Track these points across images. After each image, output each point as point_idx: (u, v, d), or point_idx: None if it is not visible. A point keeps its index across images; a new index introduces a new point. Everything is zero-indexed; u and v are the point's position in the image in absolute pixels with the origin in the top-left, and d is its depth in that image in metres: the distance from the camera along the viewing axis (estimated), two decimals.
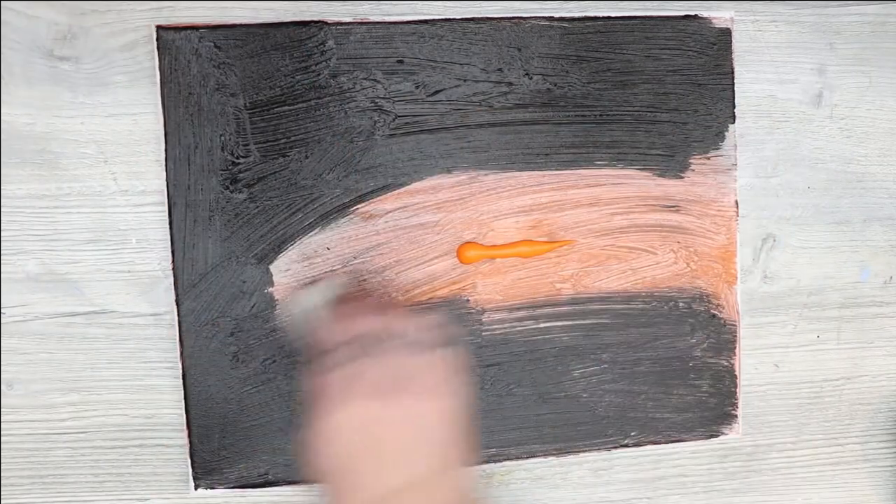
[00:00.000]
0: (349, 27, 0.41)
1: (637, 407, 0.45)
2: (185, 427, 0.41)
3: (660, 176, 0.44)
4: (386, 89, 0.41)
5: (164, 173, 0.40)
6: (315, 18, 0.41)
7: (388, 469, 0.33)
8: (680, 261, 0.45)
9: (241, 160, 0.41)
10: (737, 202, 0.45)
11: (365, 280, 0.41)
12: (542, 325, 0.44)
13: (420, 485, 0.33)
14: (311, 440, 0.33)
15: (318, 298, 0.40)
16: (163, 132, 0.40)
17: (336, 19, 0.41)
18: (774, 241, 0.46)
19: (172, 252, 0.40)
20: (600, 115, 0.43)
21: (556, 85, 0.43)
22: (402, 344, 0.35)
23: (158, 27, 0.39)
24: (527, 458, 0.44)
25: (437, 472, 0.34)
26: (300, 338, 0.40)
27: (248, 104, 0.40)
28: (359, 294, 0.41)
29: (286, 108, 0.41)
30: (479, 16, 0.42)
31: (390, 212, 0.42)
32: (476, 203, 0.43)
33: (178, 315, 0.41)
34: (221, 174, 0.40)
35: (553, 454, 0.44)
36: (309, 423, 0.34)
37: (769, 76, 0.45)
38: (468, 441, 0.35)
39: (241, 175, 0.41)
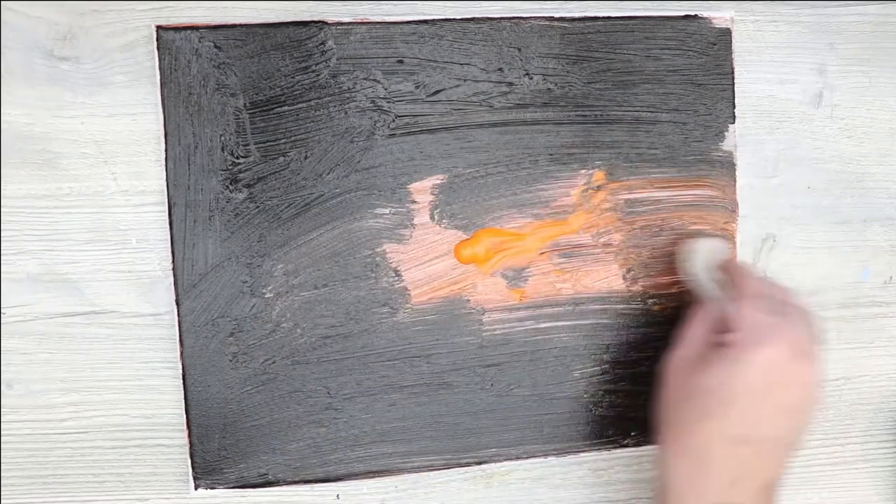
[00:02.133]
0: (349, 27, 0.41)
1: (637, 407, 0.45)
2: (185, 427, 0.41)
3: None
4: (386, 89, 0.41)
5: (164, 173, 0.40)
6: (315, 18, 0.41)
7: (765, 416, 0.37)
8: None
9: (241, 160, 0.41)
10: (737, 202, 0.45)
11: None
12: (542, 326, 0.44)
13: (772, 444, 0.38)
14: (722, 361, 0.38)
15: (718, 251, 0.43)
16: (163, 132, 0.40)
17: (336, 19, 0.41)
18: (774, 241, 0.46)
19: (172, 252, 0.40)
20: (600, 115, 0.43)
21: (556, 85, 0.43)
22: (804, 317, 0.39)
23: (158, 27, 0.39)
24: (527, 458, 0.44)
25: (789, 441, 0.39)
26: (706, 281, 0.42)
27: (248, 104, 0.40)
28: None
29: (286, 108, 0.41)
30: (479, 16, 0.42)
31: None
32: None
33: (178, 315, 0.41)
34: (221, 174, 0.41)
35: (553, 454, 0.44)
36: (729, 347, 0.38)
37: (769, 76, 0.45)
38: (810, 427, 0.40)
39: (241, 175, 0.41)
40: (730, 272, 0.41)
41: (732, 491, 0.37)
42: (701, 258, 0.43)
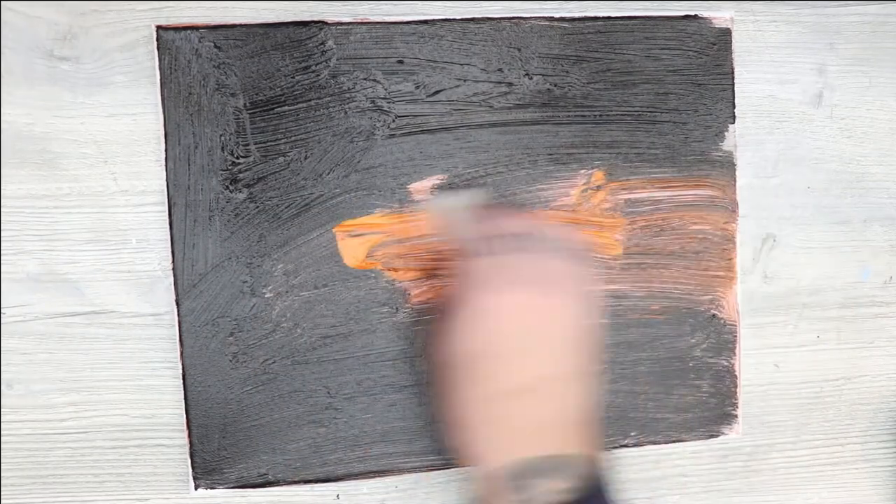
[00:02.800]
0: (349, 27, 0.41)
1: (637, 407, 0.45)
2: (185, 427, 0.41)
3: None
4: (386, 89, 0.41)
5: (164, 173, 0.40)
6: (315, 18, 0.41)
7: (528, 359, 0.35)
8: None
9: (241, 160, 0.41)
10: (737, 202, 0.45)
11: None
12: None
13: (552, 383, 0.35)
14: (459, 321, 0.35)
15: (463, 201, 0.41)
16: (163, 132, 0.40)
17: (336, 19, 0.41)
18: (774, 241, 0.46)
19: (172, 252, 0.40)
20: (600, 115, 0.43)
21: (556, 85, 0.43)
22: (550, 246, 0.36)
23: (158, 27, 0.39)
24: None
25: (567, 376, 0.36)
26: (448, 230, 0.41)
27: (248, 104, 0.40)
28: (500, 204, 0.42)
29: (286, 108, 0.41)
30: (479, 16, 0.42)
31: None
32: None
33: (178, 315, 0.41)
34: (221, 174, 0.41)
35: None
36: (458, 305, 0.35)
37: (769, 76, 0.45)
38: (595, 356, 0.37)
39: (241, 175, 0.41)
40: (475, 222, 0.38)
41: (536, 442, 0.34)
42: (449, 215, 0.40)
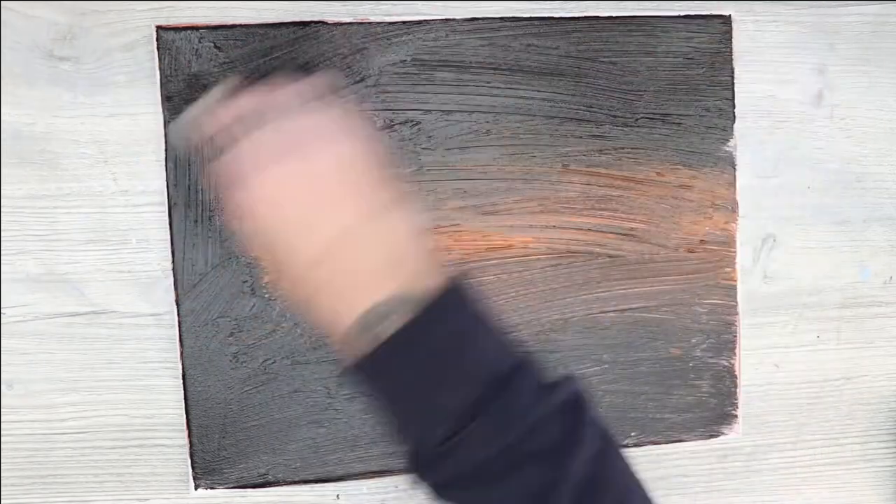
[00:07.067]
0: (349, 27, 0.41)
1: (637, 407, 0.45)
2: (185, 427, 0.41)
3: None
4: (387, 90, 0.41)
5: (164, 173, 0.40)
6: (315, 18, 0.41)
7: (317, 224, 0.34)
8: None
9: None
10: (737, 202, 0.45)
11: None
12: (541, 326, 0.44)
13: (353, 234, 0.34)
14: (240, 221, 0.34)
15: (202, 105, 0.38)
16: (163, 132, 0.40)
17: (336, 19, 0.41)
18: (774, 241, 0.46)
19: (172, 252, 0.40)
20: (601, 115, 0.43)
21: (555, 84, 0.43)
22: (288, 109, 0.35)
23: (158, 27, 0.39)
24: None
25: (368, 218, 0.34)
26: (191, 139, 0.39)
27: None
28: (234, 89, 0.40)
29: None
30: (480, 16, 0.42)
31: None
32: None
33: (178, 315, 0.41)
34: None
35: None
36: (231, 207, 0.34)
37: (769, 76, 0.45)
38: (393, 183, 0.35)
39: None
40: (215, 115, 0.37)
41: (374, 288, 0.33)
42: (194, 124, 0.38)
